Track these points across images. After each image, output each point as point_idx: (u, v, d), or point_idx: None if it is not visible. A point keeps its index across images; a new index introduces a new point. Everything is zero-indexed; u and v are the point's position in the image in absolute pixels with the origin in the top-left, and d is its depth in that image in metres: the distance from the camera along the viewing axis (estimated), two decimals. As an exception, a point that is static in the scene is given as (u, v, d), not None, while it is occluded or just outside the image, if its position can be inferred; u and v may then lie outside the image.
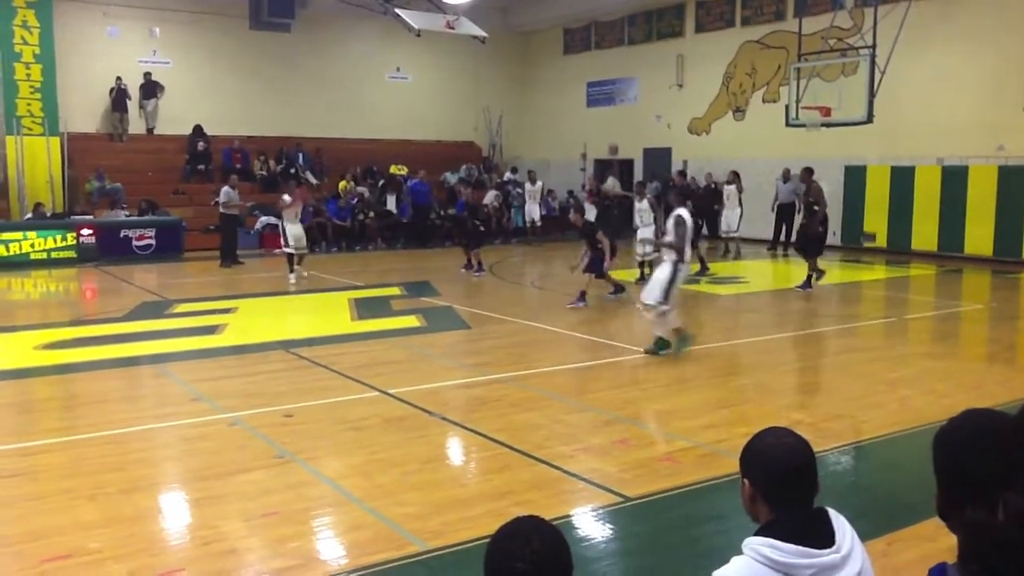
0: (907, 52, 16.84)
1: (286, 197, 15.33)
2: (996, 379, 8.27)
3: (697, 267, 15.48)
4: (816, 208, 13.67)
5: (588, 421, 6.94)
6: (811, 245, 13.71)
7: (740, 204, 18.64)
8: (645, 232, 13.93)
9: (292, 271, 15.09)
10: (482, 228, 16.45)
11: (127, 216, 19.18)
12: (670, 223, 8.98)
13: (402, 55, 25.55)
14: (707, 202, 20.00)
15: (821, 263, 13.71)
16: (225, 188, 17.06)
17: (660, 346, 8.92)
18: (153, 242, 18.71)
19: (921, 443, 5.80)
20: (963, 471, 1.74)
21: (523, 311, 12.19)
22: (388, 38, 23.97)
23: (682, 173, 18.68)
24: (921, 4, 17.70)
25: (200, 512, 5.06)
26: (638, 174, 24.49)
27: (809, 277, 13.58)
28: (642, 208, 14.30)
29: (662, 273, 8.89)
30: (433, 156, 25.19)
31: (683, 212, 8.95)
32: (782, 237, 19.45)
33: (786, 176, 19.47)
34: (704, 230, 20.35)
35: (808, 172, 14.20)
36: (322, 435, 6.47)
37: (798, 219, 19.52)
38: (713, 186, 20.97)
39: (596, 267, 12.26)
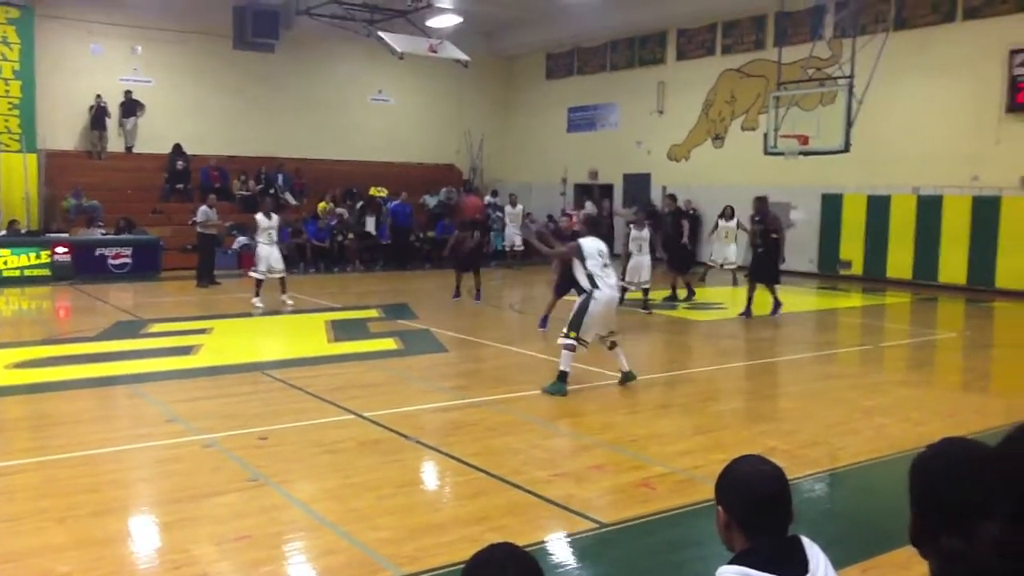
0: (884, 82, 17.09)
1: (259, 217, 14.73)
2: (971, 407, 8.33)
3: (684, 293, 15.71)
4: (776, 236, 13.69)
5: (565, 446, 6.92)
6: (774, 274, 13.87)
7: (736, 240, 18.06)
8: (642, 260, 13.84)
9: (258, 295, 14.30)
10: (472, 243, 15.42)
11: (104, 234, 19.03)
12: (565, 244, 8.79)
13: (385, 77, 25.63)
14: (676, 229, 19.47)
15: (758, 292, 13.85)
16: (203, 207, 16.96)
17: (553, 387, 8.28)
18: (129, 261, 18.56)
19: (897, 471, 5.80)
20: (939, 499, 1.76)
21: (501, 335, 12.18)
22: (371, 60, 24.04)
23: (672, 197, 18.08)
24: (898, 35, 18.00)
25: (171, 535, 4.99)
26: (618, 199, 24.64)
27: (777, 304, 13.77)
28: (641, 236, 13.91)
29: (576, 305, 8.41)
30: (414, 178, 25.24)
31: (583, 241, 8.51)
32: None
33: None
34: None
35: (762, 201, 13.96)
36: (296, 458, 6.41)
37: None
38: (692, 212, 21.02)
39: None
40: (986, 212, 17.24)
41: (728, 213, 17.74)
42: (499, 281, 19.52)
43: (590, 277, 8.26)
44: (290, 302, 14.59)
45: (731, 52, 22.40)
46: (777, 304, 13.78)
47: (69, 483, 5.74)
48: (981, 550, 1.28)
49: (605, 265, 8.32)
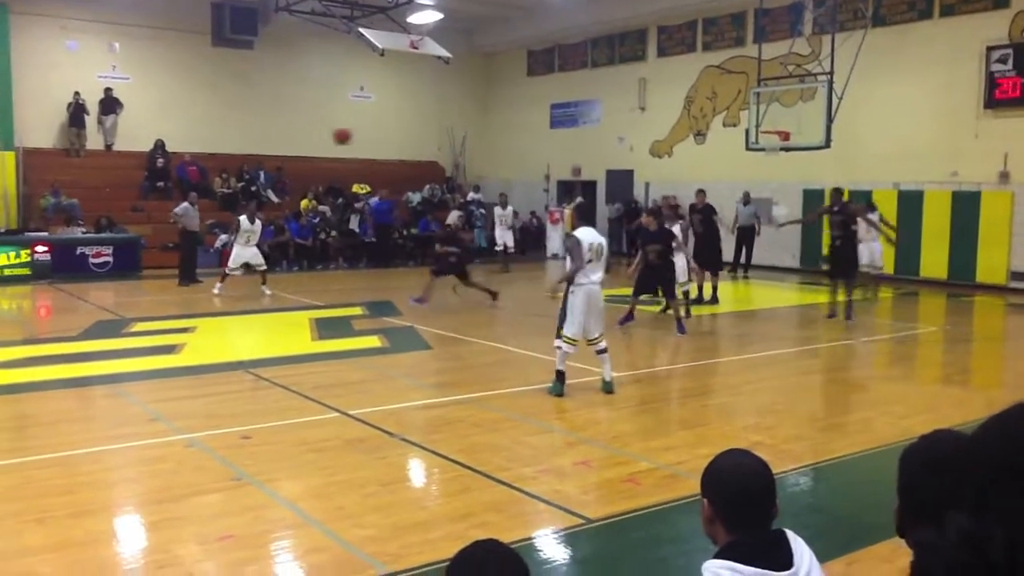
0: (864, 79, 17.19)
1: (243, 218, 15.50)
2: (951, 401, 8.40)
3: (695, 292, 14.52)
4: (854, 227, 13.24)
5: (550, 443, 6.92)
6: (852, 270, 13.33)
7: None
8: (678, 260, 12.74)
9: (222, 283, 15.39)
10: (452, 259, 14.62)
11: (84, 233, 18.87)
12: (565, 245, 8.45)
13: (366, 74, 25.53)
14: (707, 228, 18.47)
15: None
16: (184, 204, 16.86)
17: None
18: (110, 259, 18.42)
19: (880, 464, 5.82)
20: (916, 490, 1.78)
21: (486, 332, 12.17)
22: (352, 57, 23.95)
23: (702, 192, 16.81)
24: (877, 32, 18.11)
25: (154, 535, 4.95)
26: (601, 195, 24.66)
27: (850, 304, 13.04)
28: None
29: (561, 306, 8.31)
30: (396, 175, 25.16)
31: (579, 233, 8.33)
32: (742, 259, 19.68)
33: (746, 199, 19.76)
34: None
35: (839, 192, 13.51)
36: (281, 457, 6.38)
37: (758, 241, 19.87)
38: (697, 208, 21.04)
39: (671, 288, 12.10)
40: (966, 207, 17.38)
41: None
42: (484, 279, 19.45)
43: (578, 271, 8.14)
44: (268, 292, 15.29)
45: (711, 49, 22.46)
46: (849, 304, 13.02)
47: (49, 484, 5.69)
48: (953, 542, 1.28)
49: (590, 260, 8.15)
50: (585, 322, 8.17)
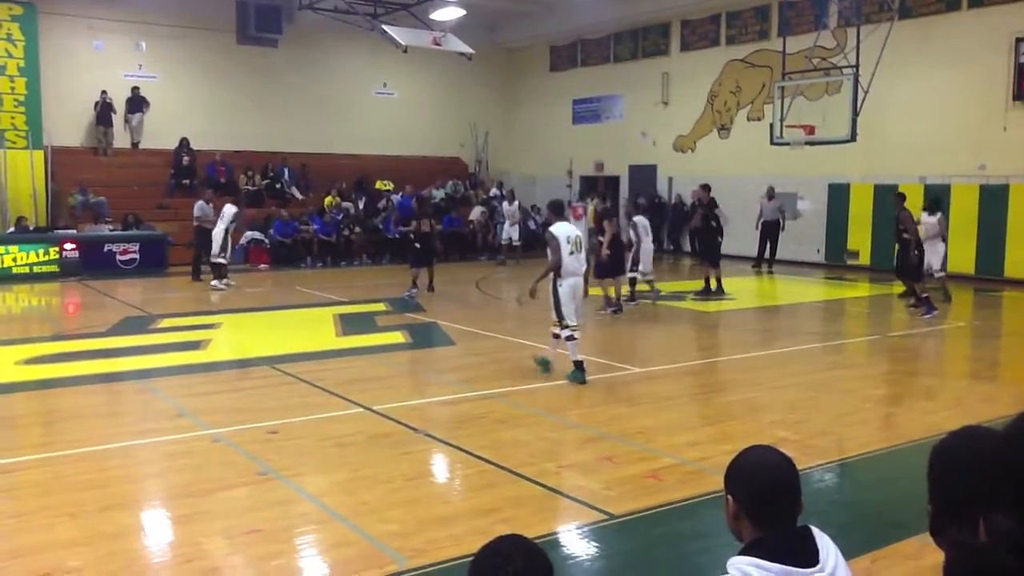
0: (890, 72, 17.01)
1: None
2: (978, 396, 8.32)
3: (701, 285, 15.01)
4: (907, 236, 13.34)
5: (573, 438, 6.93)
6: (914, 271, 13.42)
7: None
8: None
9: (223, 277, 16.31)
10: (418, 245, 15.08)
11: (111, 230, 19.07)
12: (546, 239, 8.92)
13: (389, 71, 25.59)
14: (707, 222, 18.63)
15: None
16: (199, 203, 17.05)
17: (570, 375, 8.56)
18: (137, 256, 18.61)
19: (905, 460, 5.79)
20: (949, 489, 1.75)
21: (508, 327, 12.18)
22: (375, 54, 24.01)
23: (705, 187, 16.97)
24: (903, 24, 17.90)
25: (182, 529, 5.01)
26: (623, 191, 24.60)
27: (923, 298, 13.15)
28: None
29: (550, 297, 8.67)
30: (419, 171, 25.21)
31: (554, 228, 8.69)
32: (766, 254, 19.53)
33: (771, 194, 19.61)
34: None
35: (901, 198, 13.89)
36: (306, 452, 6.43)
37: (783, 236, 19.73)
38: (697, 203, 21.26)
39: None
40: (994, 201, 17.16)
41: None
42: (504, 274, 19.49)
43: (558, 264, 8.51)
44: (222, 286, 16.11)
45: (735, 43, 22.30)
46: (922, 301, 13.13)
47: (79, 478, 5.77)
48: (989, 543, 1.27)
49: (571, 252, 8.55)
50: (573, 310, 8.60)
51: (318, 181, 23.47)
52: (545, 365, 8.87)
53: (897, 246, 13.93)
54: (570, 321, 8.51)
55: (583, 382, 8.42)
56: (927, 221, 13.79)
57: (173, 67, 22.86)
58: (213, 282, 16.14)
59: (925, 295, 13.07)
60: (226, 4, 21.80)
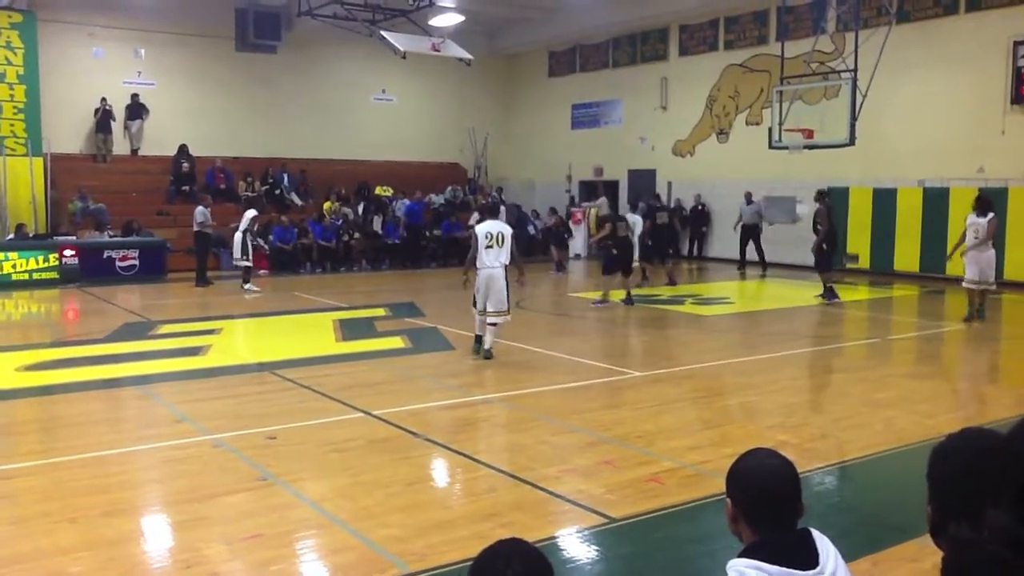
0: (888, 75, 17.03)
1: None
2: (978, 399, 8.32)
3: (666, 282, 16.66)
4: (820, 227, 14.63)
5: (574, 442, 6.92)
6: (822, 262, 14.87)
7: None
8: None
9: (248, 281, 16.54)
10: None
11: (111, 237, 19.08)
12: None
13: (388, 77, 25.62)
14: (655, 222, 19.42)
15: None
16: (199, 208, 17.12)
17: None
18: (136, 263, 18.61)
19: (905, 463, 5.79)
20: (949, 488, 1.76)
21: (508, 332, 12.16)
22: (374, 60, 24.03)
23: (656, 196, 19.00)
24: (901, 28, 17.94)
25: (182, 535, 5.01)
26: (623, 195, 24.61)
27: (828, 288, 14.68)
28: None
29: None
30: (418, 177, 25.25)
31: (478, 227, 9.97)
32: (754, 257, 19.85)
33: (749, 199, 20.12)
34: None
35: (822, 194, 15.06)
36: (306, 457, 6.43)
37: (780, 240, 19.90)
38: (701, 207, 22.56)
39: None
40: (992, 204, 17.13)
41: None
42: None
43: (475, 258, 9.70)
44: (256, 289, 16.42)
45: (733, 47, 22.34)
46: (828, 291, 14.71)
47: (79, 484, 5.76)
48: (988, 538, 1.28)
49: (488, 247, 9.63)
50: (484, 298, 9.71)
51: (317, 187, 23.49)
52: (478, 348, 9.97)
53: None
54: (481, 307, 9.70)
55: (477, 353, 9.85)
56: (977, 222, 12.44)
57: (172, 74, 22.90)
58: (246, 286, 16.36)
59: (830, 286, 14.60)
60: (225, 11, 21.82)
